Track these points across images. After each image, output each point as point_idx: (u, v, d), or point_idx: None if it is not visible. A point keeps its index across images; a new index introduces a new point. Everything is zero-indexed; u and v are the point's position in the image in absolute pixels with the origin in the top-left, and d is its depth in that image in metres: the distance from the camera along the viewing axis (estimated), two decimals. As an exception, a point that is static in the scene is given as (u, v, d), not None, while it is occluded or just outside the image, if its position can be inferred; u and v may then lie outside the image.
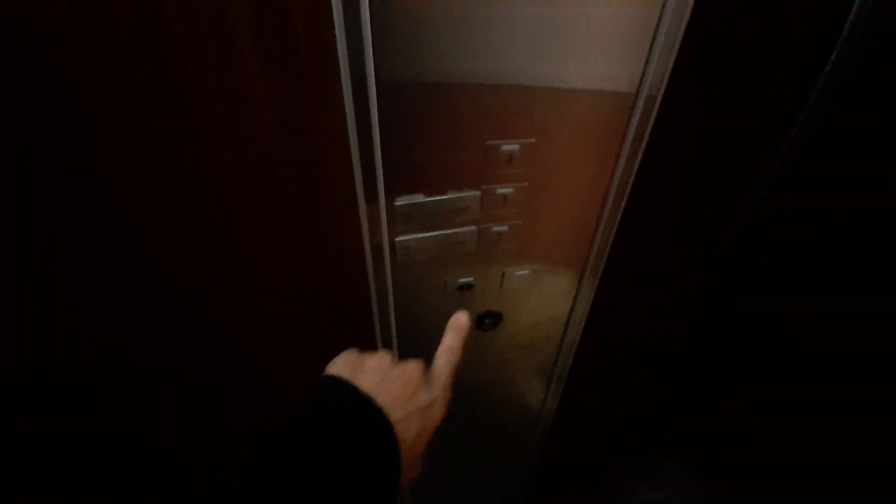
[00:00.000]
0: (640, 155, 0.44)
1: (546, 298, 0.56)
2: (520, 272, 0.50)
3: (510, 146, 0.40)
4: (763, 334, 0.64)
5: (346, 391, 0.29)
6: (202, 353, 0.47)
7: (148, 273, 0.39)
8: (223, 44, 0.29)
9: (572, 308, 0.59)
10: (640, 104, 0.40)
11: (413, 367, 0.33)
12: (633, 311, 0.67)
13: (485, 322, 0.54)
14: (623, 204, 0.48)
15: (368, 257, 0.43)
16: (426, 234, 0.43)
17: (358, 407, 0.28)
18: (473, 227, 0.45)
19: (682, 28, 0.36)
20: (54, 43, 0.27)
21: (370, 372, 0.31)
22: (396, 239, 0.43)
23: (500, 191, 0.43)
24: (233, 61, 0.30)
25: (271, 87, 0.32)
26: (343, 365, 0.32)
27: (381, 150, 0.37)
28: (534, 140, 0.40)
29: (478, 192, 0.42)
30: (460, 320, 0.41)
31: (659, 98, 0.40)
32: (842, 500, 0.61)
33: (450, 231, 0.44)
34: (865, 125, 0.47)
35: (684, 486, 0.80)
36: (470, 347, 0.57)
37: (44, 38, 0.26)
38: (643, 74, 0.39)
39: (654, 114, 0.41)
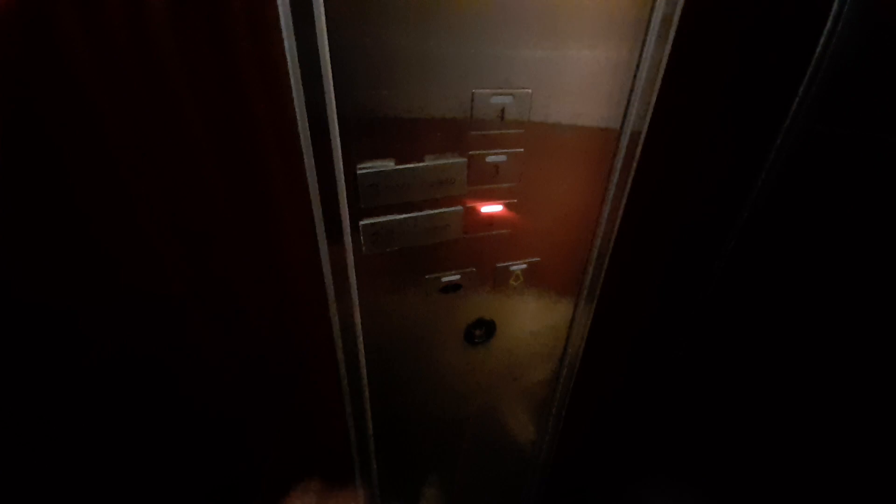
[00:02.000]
0: (650, 111, 0.37)
1: (545, 301, 0.47)
2: (515, 267, 0.41)
3: (501, 98, 0.32)
4: (773, 346, 0.58)
5: None
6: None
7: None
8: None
9: (574, 312, 0.50)
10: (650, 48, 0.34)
11: None
12: (639, 321, 0.59)
13: (475, 334, 0.44)
14: (630, 180, 0.41)
15: (323, 247, 0.33)
16: (399, 217, 0.34)
17: None
18: (459, 208, 0.36)
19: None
20: None
21: None
22: (361, 222, 0.33)
23: (491, 159, 0.34)
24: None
25: None
26: None
27: (336, 97, 0.28)
28: (529, 90, 0.32)
29: (463, 160, 0.34)
30: None
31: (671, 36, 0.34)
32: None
33: (430, 212, 0.35)
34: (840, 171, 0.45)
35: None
36: (457, 366, 0.47)
37: None
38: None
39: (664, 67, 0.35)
